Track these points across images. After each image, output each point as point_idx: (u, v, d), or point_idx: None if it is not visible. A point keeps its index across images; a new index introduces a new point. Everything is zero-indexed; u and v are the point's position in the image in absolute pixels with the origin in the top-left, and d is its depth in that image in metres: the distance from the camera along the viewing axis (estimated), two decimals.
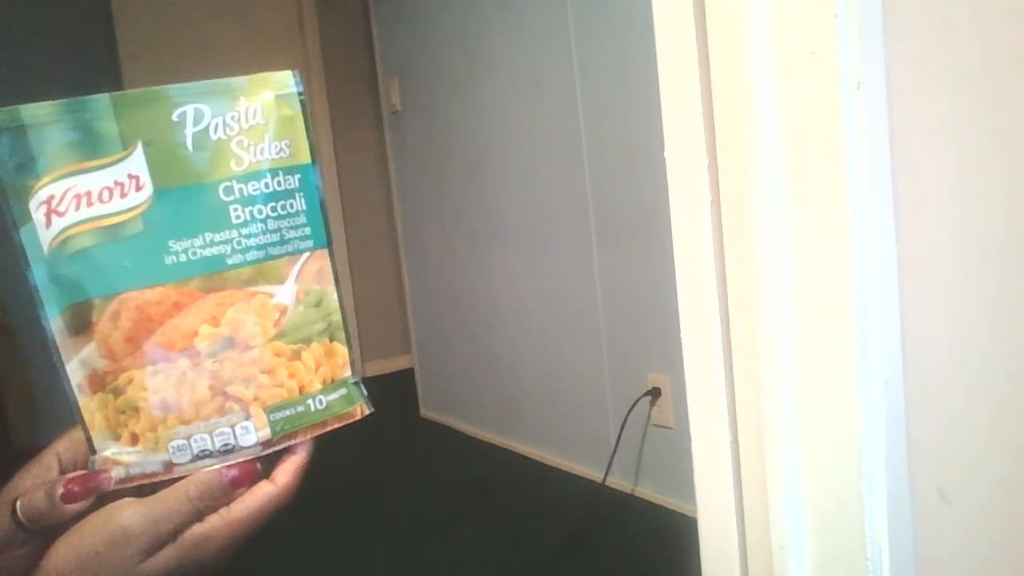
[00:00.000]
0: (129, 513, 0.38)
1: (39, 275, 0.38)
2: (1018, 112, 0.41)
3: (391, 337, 3.62)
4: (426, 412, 3.03)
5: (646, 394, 2.01)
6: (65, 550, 0.38)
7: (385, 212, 3.18)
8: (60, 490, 0.38)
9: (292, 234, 0.41)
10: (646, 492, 2.08)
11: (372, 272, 3.55)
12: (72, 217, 0.37)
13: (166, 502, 0.39)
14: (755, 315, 0.48)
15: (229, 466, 0.40)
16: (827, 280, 0.44)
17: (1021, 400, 0.43)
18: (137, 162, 0.38)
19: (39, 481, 0.41)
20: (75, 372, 0.39)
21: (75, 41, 3.05)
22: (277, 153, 0.40)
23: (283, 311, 0.41)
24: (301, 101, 0.40)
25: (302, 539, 1.91)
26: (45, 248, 0.38)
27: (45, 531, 0.39)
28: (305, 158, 0.41)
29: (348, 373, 0.43)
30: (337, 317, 0.42)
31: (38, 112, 0.37)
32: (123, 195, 0.38)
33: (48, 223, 0.37)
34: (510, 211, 2.44)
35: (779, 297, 0.47)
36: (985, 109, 0.42)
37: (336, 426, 0.42)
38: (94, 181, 0.37)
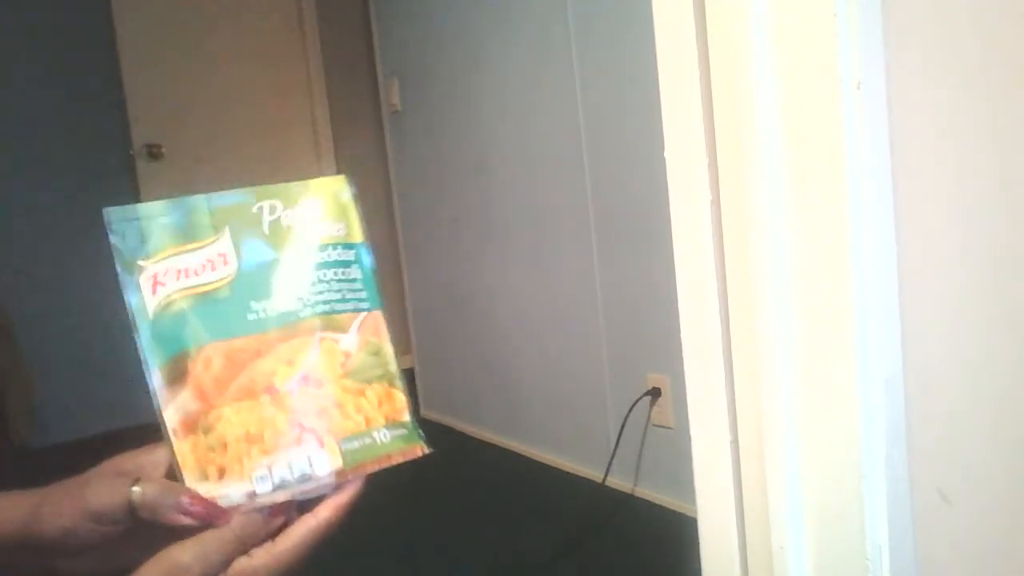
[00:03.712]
0: (180, 549, 0.41)
1: (144, 336, 0.45)
2: (1018, 112, 0.41)
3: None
4: (426, 412, 3.03)
5: (646, 394, 2.01)
6: None
7: (385, 212, 3.18)
8: (185, 499, 0.42)
9: (351, 295, 0.48)
10: (646, 492, 2.08)
11: None
12: (173, 286, 0.45)
13: (214, 536, 0.42)
14: (755, 315, 0.48)
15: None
16: (827, 280, 0.44)
17: (1021, 399, 0.43)
18: (225, 244, 0.46)
19: (146, 470, 0.44)
20: (171, 418, 0.44)
21: (74, 41, 3.05)
22: (336, 232, 0.48)
23: (348, 355, 0.47)
24: (353, 196, 0.49)
25: None
26: (150, 313, 0.45)
27: (138, 522, 0.42)
28: (358, 237, 0.49)
29: (408, 417, 0.48)
30: (394, 368, 0.48)
31: (150, 209, 0.46)
32: (214, 269, 0.46)
33: (154, 292, 0.45)
34: (510, 211, 2.44)
35: (779, 297, 0.47)
36: (985, 109, 0.42)
37: (399, 460, 0.47)
38: (191, 260, 0.46)
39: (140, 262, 0.46)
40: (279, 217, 0.47)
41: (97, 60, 3.05)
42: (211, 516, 0.42)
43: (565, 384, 2.34)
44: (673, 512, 1.95)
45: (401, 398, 0.48)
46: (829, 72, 0.42)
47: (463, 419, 2.80)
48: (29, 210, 2.99)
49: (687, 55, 0.49)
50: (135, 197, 3.10)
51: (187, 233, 0.46)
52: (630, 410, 2.04)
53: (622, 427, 2.06)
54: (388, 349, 0.49)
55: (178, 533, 0.43)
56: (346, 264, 0.48)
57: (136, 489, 0.42)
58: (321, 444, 0.45)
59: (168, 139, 3.04)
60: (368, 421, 0.46)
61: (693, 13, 0.48)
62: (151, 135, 3.04)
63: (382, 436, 0.47)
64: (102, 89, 3.05)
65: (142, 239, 0.46)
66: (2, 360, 2.77)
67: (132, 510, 0.42)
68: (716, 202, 0.50)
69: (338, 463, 0.45)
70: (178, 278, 0.46)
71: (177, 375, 0.45)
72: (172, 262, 0.46)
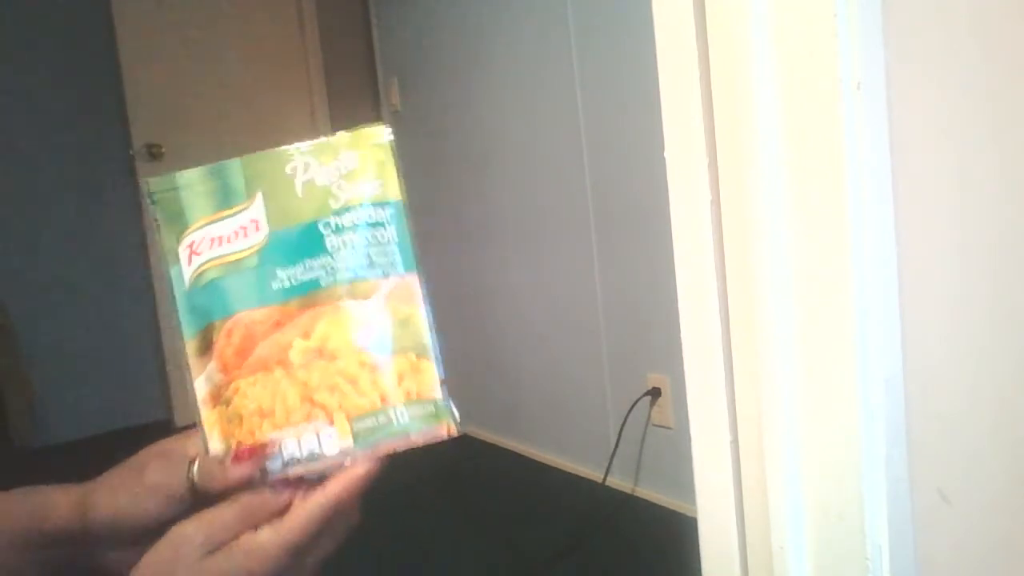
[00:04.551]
0: (186, 523, 0.42)
1: (181, 306, 0.45)
2: (1018, 112, 0.41)
3: None
4: None
5: (646, 394, 2.01)
6: (143, 568, 0.42)
7: None
8: (231, 455, 0.43)
9: (381, 259, 0.45)
10: (646, 492, 2.08)
11: None
12: (206, 255, 0.45)
13: (219, 510, 0.43)
14: (755, 315, 0.48)
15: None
16: (827, 280, 0.44)
17: (1021, 400, 0.43)
18: (257, 209, 0.45)
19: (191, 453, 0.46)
20: (200, 388, 0.45)
21: (75, 43, 3.05)
22: (371, 191, 0.45)
23: (367, 326, 0.45)
24: (391, 148, 0.46)
25: None
26: (187, 283, 0.45)
27: (204, 499, 0.44)
28: (395, 195, 0.46)
29: (438, 394, 0.45)
30: (425, 339, 0.45)
31: (188, 177, 0.46)
32: (245, 236, 0.45)
33: (190, 262, 0.45)
34: (510, 211, 2.44)
35: (779, 297, 0.47)
36: (985, 109, 0.42)
37: (420, 442, 0.44)
38: (226, 227, 0.45)
39: (179, 231, 0.45)
40: (313, 177, 0.45)
41: (97, 60, 3.05)
42: (260, 455, 0.43)
43: (565, 384, 2.34)
44: (673, 512, 1.95)
45: (432, 370, 0.45)
46: (829, 72, 0.42)
47: (463, 419, 2.79)
48: (29, 210, 2.99)
49: (687, 55, 0.49)
50: (135, 197, 3.10)
51: (222, 199, 0.46)
52: (630, 410, 2.04)
53: (622, 427, 2.06)
54: (421, 318, 0.45)
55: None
56: (378, 225, 0.45)
57: (195, 468, 0.44)
58: (331, 421, 0.43)
59: (168, 139, 3.04)
60: (384, 398, 0.44)
61: (693, 13, 0.48)
62: (151, 135, 3.04)
63: (399, 416, 0.44)
64: (102, 89, 3.05)
65: (181, 209, 0.46)
66: (2, 360, 2.77)
67: (191, 485, 0.44)
68: (716, 202, 0.50)
69: (348, 442, 0.43)
70: (211, 247, 0.45)
71: (205, 346, 0.45)
72: (207, 230, 0.45)
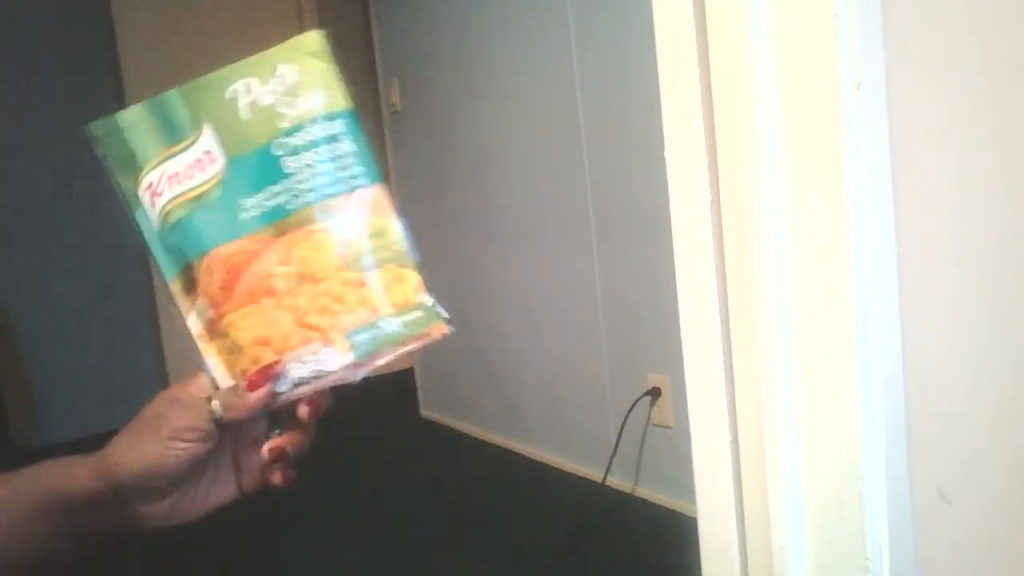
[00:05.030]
0: None
1: (155, 248, 0.45)
2: (1018, 112, 0.41)
3: None
4: (426, 412, 3.03)
5: (646, 394, 2.01)
6: None
7: None
8: (244, 382, 0.45)
9: (343, 174, 0.45)
10: (646, 492, 2.08)
11: None
12: (168, 195, 0.45)
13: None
14: (755, 315, 0.48)
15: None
16: (827, 280, 0.44)
17: (1021, 400, 0.43)
18: (208, 139, 0.44)
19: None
20: (194, 324, 0.45)
21: (74, 41, 3.05)
22: (318, 104, 0.44)
23: (344, 244, 0.45)
24: (328, 55, 0.44)
25: (302, 539, 1.91)
26: (155, 225, 0.45)
27: (229, 426, 0.46)
28: (342, 104, 0.44)
29: (423, 297, 0.46)
30: (402, 246, 0.45)
31: (130, 116, 0.45)
32: (203, 169, 0.44)
33: (153, 204, 0.45)
34: (510, 210, 2.44)
35: (779, 297, 0.47)
36: (985, 109, 0.42)
37: (415, 348, 0.45)
38: (180, 163, 0.45)
39: (135, 174, 0.45)
40: (255, 97, 0.44)
41: (97, 60, 3.05)
42: (270, 374, 0.44)
43: (565, 384, 2.33)
44: (673, 512, 1.94)
45: (414, 277, 0.45)
46: (829, 72, 0.42)
47: (463, 419, 2.80)
48: (29, 210, 2.99)
49: (687, 55, 0.49)
50: None
51: (171, 133, 0.45)
52: (630, 410, 2.04)
53: (622, 427, 2.06)
54: (394, 225, 0.45)
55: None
56: (332, 139, 0.44)
57: (215, 403, 0.45)
58: (327, 341, 0.44)
59: None
60: (373, 311, 0.45)
61: (693, 13, 0.48)
62: None
63: (390, 325, 0.45)
64: (102, 89, 3.05)
65: (131, 151, 0.45)
66: (2, 360, 2.77)
67: (216, 419, 0.45)
68: (716, 202, 0.50)
69: (349, 357, 0.44)
70: (171, 185, 0.45)
71: (189, 285, 0.45)
72: (163, 168, 0.45)
